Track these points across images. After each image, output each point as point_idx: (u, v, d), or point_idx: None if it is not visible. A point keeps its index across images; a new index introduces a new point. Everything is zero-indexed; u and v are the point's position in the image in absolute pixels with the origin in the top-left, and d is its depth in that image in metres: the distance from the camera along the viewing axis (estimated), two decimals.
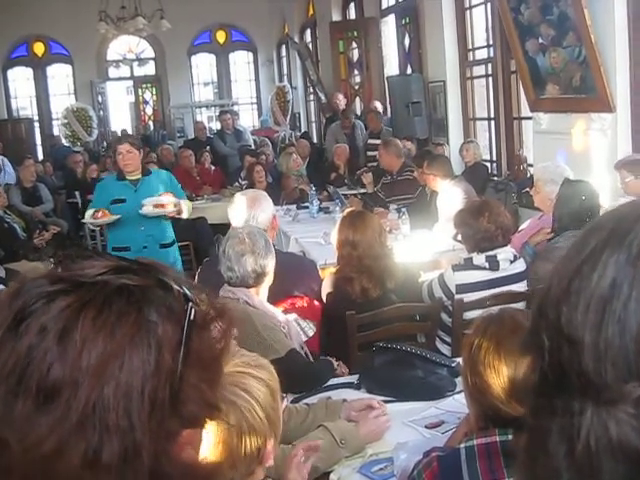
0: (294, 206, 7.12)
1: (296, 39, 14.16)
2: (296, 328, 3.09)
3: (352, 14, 12.09)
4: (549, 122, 6.04)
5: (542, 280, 3.54)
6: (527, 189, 5.68)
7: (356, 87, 11.75)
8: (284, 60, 16.32)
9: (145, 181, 5.01)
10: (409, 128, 8.76)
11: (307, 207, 6.88)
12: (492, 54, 7.67)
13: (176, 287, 0.72)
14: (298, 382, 2.74)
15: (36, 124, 16.01)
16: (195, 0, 14.31)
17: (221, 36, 16.88)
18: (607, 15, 5.06)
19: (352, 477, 2.21)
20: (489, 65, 7.77)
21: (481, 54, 8.08)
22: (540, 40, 5.75)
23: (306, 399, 2.69)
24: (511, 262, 3.62)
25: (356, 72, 11.72)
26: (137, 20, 11.61)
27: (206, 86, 17.70)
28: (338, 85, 11.66)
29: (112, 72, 16.77)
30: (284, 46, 15.89)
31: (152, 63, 16.90)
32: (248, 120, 16.46)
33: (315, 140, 13.36)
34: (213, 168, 9.62)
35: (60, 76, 16.42)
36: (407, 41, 9.71)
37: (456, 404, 2.59)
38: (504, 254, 3.60)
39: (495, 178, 7.64)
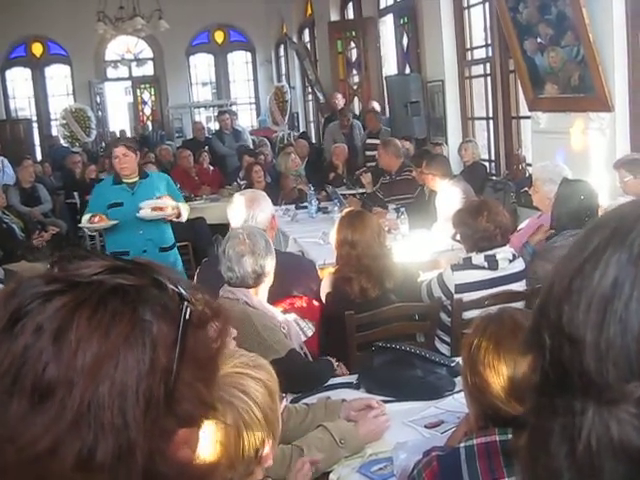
0: (293, 206, 7.12)
1: (294, 39, 14.16)
2: (296, 328, 3.09)
3: (350, 14, 12.10)
4: (548, 121, 6.05)
5: (541, 279, 3.54)
6: (526, 188, 5.69)
7: (354, 87, 11.75)
8: (282, 60, 16.33)
9: (142, 184, 4.91)
10: (408, 128, 8.76)
11: (306, 207, 6.88)
12: (490, 54, 7.67)
13: (171, 286, 0.72)
14: (298, 382, 2.75)
15: (34, 125, 16.00)
16: (193, 0, 14.32)
17: (219, 36, 16.89)
18: (605, 14, 5.06)
19: (351, 477, 2.21)
20: (487, 65, 7.78)
21: (479, 54, 8.09)
22: (538, 39, 5.75)
23: (305, 399, 2.69)
24: (510, 261, 3.62)
25: (354, 72, 11.73)
26: (135, 20, 11.62)
27: (204, 86, 17.71)
28: (336, 85, 11.67)
29: (110, 72, 16.78)
30: (282, 46, 15.90)
31: (150, 63, 16.90)
32: (246, 120, 16.46)
33: (314, 140, 13.36)
34: (212, 168, 9.62)
35: (58, 77, 16.43)
36: (405, 41, 9.71)
37: (455, 404, 2.59)
38: (503, 254, 3.60)
39: (494, 178, 7.65)
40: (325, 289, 3.59)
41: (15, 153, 11.26)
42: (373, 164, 7.97)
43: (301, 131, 14.03)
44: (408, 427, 2.50)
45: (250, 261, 2.86)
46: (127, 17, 11.77)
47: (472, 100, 8.27)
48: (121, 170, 4.88)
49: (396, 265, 3.66)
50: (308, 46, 13.90)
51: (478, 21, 7.97)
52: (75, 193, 9.42)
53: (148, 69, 16.97)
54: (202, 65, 17.28)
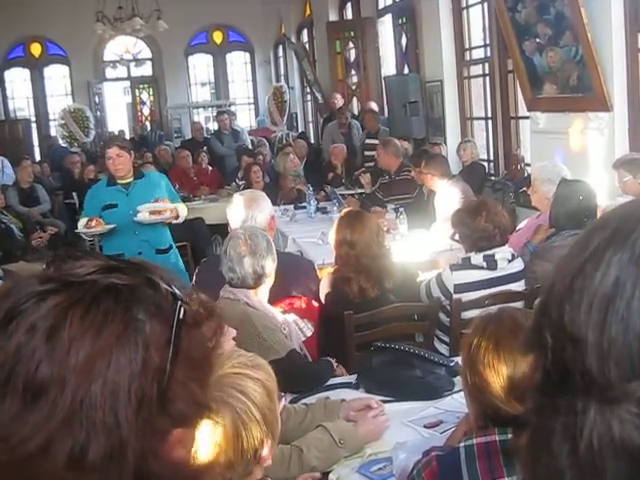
0: (291, 206, 7.12)
1: (293, 39, 14.17)
2: (295, 329, 3.09)
3: (349, 14, 12.10)
4: (546, 121, 6.05)
5: (540, 279, 3.54)
6: (524, 188, 5.70)
7: (353, 87, 11.76)
8: (281, 60, 16.33)
9: (137, 184, 4.79)
10: (406, 128, 8.76)
11: (304, 207, 6.88)
12: (489, 53, 7.68)
13: (165, 286, 0.72)
14: (298, 382, 2.75)
15: (33, 125, 15.99)
16: (192, 1, 14.30)
17: (218, 36, 16.89)
18: (604, 14, 5.07)
19: (351, 477, 2.20)
20: (486, 64, 7.78)
21: (478, 54, 8.09)
22: (537, 39, 5.75)
23: (304, 399, 2.69)
24: (509, 261, 3.62)
25: (353, 72, 11.73)
26: (134, 21, 11.61)
27: (203, 86, 17.71)
28: (335, 85, 11.67)
29: (109, 73, 16.77)
30: (281, 46, 15.90)
31: (149, 64, 16.90)
32: (245, 120, 16.46)
33: (312, 140, 13.37)
34: (210, 168, 9.61)
35: (57, 77, 16.42)
36: (404, 41, 9.71)
37: (455, 403, 2.59)
38: (502, 253, 3.59)
39: (492, 178, 7.66)
40: (324, 289, 3.59)
41: (14, 153, 11.23)
42: (372, 164, 7.97)
43: (300, 131, 14.03)
44: (407, 427, 2.50)
45: (251, 262, 2.86)
46: (126, 17, 11.76)
47: (471, 100, 8.27)
48: (115, 171, 4.73)
49: (395, 265, 3.66)
50: (307, 46, 13.91)
51: (477, 21, 7.98)
52: (74, 193, 9.39)
53: (147, 69, 16.97)
54: (201, 65, 17.28)
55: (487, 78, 7.77)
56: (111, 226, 4.66)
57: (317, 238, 5.36)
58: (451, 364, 2.81)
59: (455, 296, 3.58)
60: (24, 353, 0.65)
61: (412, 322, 3.68)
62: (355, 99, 11.83)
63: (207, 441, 1.27)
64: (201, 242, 7.68)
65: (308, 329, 3.24)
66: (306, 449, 2.19)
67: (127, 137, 12.91)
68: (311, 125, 15.03)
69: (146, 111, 17.17)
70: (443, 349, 3.65)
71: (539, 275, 3.61)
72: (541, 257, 3.74)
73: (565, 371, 0.54)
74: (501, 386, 1.63)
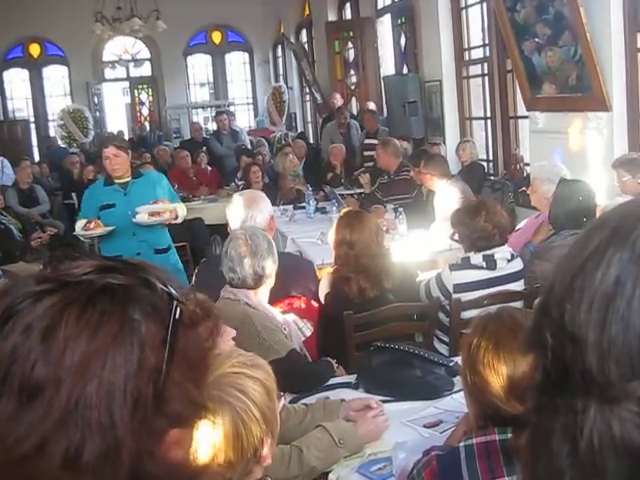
0: (291, 206, 7.11)
1: (292, 39, 14.17)
2: (295, 329, 3.09)
3: (348, 14, 12.10)
4: (545, 121, 6.05)
5: (539, 279, 3.55)
6: (524, 188, 5.70)
7: (352, 87, 11.75)
8: (280, 60, 16.33)
9: (135, 184, 4.70)
10: (405, 128, 8.76)
11: (304, 207, 6.87)
12: (488, 53, 7.68)
13: (161, 286, 0.72)
14: (298, 382, 2.75)
15: (32, 125, 15.98)
16: (191, 1, 14.30)
17: (217, 37, 16.89)
18: (603, 14, 5.07)
19: (351, 477, 2.20)
20: (485, 64, 7.78)
21: (477, 53, 8.09)
22: (536, 39, 5.75)
23: (304, 399, 2.69)
24: (508, 261, 3.62)
25: (352, 72, 11.73)
26: (133, 21, 11.60)
27: (202, 87, 17.71)
28: (334, 85, 11.67)
29: (108, 73, 16.75)
30: (280, 46, 15.90)
31: (148, 64, 16.89)
32: (244, 120, 16.45)
33: (311, 140, 13.37)
34: (209, 169, 9.61)
35: (56, 77, 16.41)
36: (403, 41, 9.72)
37: (454, 403, 2.59)
38: (501, 253, 3.59)
39: (492, 177, 7.66)
40: (323, 289, 3.59)
41: (13, 154, 11.23)
42: (371, 164, 7.97)
43: (299, 131, 14.03)
44: (407, 427, 2.50)
45: (251, 262, 2.86)
46: (125, 18, 11.76)
47: (470, 100, 8.27)
48: (112, 171, 4.64)
49: (394, 265, 3.66)
50: (306, 46, 13.91)
51: (476, 21, 7.98)
52: (73, 194, 9.38)
53: (146, 70, 16.95)
54: (200, 66, 17.28)
55: (486, 78, 7.77)
56: (110, 228, 4.58)
57: (316, 238, 5.36)
58: (451, 364, 2.81)
59: (454, 296, 3.58)
60: (20, 353, 0.65)
61: (411, 322, 3.68)
62: (354, 99, 11.82)
63: (205, 441, 1.28)
64: (200, 242, 7.67)
65: (308, 329, 3.24)
66: (306, 449, 2.19)
67: (126, 137, 12.89)
68: (310, 125, 15.03)
69: (145, 111, 17.16)
70: (443, 349, 3.65)
71: (538, 275, 3.61)
72: (540, 257, 3.74)
73: (565, 371, 0.54)
74: (501, 386, 1.63)
